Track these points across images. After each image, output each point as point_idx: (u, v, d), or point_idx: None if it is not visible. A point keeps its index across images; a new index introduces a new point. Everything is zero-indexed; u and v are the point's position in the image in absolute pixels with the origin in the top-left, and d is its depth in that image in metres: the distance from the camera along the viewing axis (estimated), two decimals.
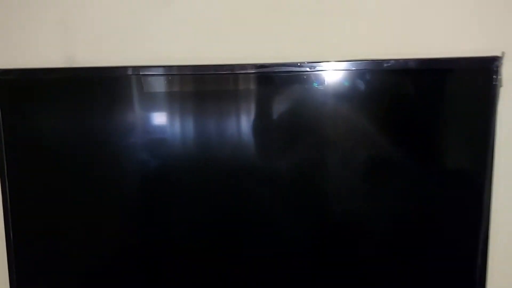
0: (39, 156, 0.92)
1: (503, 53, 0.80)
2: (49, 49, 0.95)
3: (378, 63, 0.83)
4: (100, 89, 0.89)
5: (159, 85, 0.87)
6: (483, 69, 0.81)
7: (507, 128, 0.85)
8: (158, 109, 0.89)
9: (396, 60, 0.82)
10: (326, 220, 0.90)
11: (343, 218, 0.90)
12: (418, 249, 0.90)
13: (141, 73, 0.86)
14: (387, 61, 0.83)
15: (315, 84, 0.84)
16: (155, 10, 0.91)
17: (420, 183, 0.88)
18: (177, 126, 0.88)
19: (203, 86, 0.88)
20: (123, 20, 0.92)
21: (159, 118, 0.89)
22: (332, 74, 0.84)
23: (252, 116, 0.87)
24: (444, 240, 0.88)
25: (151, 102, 0.89)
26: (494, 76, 0.80)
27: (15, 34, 0.95)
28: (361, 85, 0.85)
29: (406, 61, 0.83)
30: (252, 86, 0.87)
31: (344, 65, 0.83)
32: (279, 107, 0.86)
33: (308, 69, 0.84)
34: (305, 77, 0.84)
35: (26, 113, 0.90)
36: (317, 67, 0.83)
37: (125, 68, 0.87)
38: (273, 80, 0.86)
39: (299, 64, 0.83)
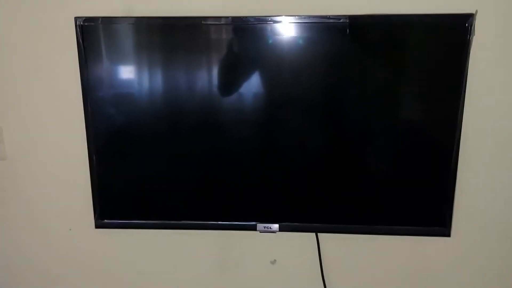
0: (116, 92, 1.12)
1: (476, 11, 1.01)
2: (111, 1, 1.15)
3: (365, 17, 1.03)
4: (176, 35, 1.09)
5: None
6: (461, 24, 1.02)
7: (477, 71, 1.08)
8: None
9: (388, 15, 1.04)
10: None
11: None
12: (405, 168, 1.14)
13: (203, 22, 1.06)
14: (380, 16, 1.04)
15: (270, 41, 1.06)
16: None
17: (402, 123, 1.11)
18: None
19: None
20: None
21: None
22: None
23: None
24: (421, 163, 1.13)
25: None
26: (468, 30, 1.02)
27: None
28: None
29: (392, 16, 1.04)
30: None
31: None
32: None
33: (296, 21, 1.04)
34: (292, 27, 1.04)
35: (104, 53, 1.10)
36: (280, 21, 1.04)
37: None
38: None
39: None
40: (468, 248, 1.24)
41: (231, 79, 1.11)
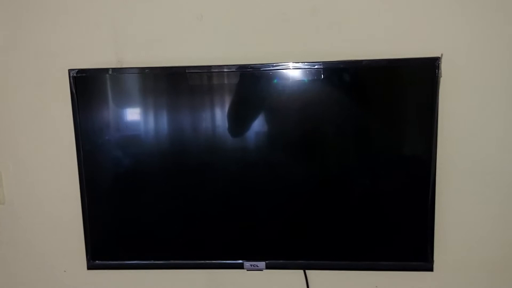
0: (107, 137, 1.19)
1: (441, 54, 1.08)
2: (103, 53, 1.24)
3: (354, 62, 1.10)
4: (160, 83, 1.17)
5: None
6: (428, 66, 1.08)
7: (446, 109, 1.14)
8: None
9: (364, 60, 1.11)
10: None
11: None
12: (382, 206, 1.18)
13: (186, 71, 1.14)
14: (357, 61, 1.11)
15: (275, 80, 1.13)
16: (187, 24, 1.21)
17: (380, 161, 1.15)
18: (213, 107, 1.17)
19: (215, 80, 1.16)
20: (161, 29, 1.22)
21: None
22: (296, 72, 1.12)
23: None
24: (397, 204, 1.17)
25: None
26: (436, 72, 1.08)
27: (76, 41, 1.24)
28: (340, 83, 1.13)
29: (371, 61, 1.10)
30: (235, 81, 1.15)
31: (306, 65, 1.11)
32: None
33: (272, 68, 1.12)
34: (270, 74, 1.12)
35: (95, 102, 1.17)
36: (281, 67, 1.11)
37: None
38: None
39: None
40: (451, 281, 1.25)
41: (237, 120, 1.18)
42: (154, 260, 1.24)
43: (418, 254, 1.17)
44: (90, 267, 1.24)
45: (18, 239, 1.36)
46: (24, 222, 1.35)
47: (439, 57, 1.07)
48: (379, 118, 1.14)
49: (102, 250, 1.24)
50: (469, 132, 1.17)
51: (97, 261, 1.24)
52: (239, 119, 1.18)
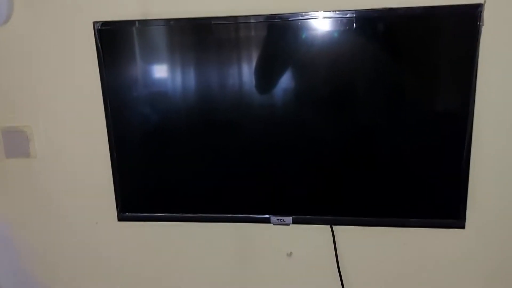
0: (133, 91, 1.18)
1: (484, 1, 1.00)
2: (128, 5, 1.21)
3: (389, 10, 1.04)
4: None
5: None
6: (469, 14, 1.01)
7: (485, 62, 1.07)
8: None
9: (399, 8, 1.04)
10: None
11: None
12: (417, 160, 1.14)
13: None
14: (392, 9, 1.05)
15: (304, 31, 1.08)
16: None
17: (418, 111, 1.11)
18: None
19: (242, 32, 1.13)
20: None
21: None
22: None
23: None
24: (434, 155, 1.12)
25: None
26: (477, 20, 1.01)
27: None
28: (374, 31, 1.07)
29: (407, 9, 1.04)
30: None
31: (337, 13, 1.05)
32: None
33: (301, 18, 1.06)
34: (299, 24, 1.07)
35: (120, 55, 1.16)
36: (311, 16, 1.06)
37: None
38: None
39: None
40: (483, 240, 1.22)
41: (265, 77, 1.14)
42: (182, 213, 1.25)
43: (450, 211, 1.14)
44: (120, 219, 1.27)
45: (50, 193, 1.40)
46: (56, 176, 1.38)
47: (482, 4, 1.00)
48: (414, 71, 1.08)
49: (132, 203, 1.27)
50: (510, 85, 1.11)
51: (127, 213, 1.27)
52: (266, 75, 1.14)
